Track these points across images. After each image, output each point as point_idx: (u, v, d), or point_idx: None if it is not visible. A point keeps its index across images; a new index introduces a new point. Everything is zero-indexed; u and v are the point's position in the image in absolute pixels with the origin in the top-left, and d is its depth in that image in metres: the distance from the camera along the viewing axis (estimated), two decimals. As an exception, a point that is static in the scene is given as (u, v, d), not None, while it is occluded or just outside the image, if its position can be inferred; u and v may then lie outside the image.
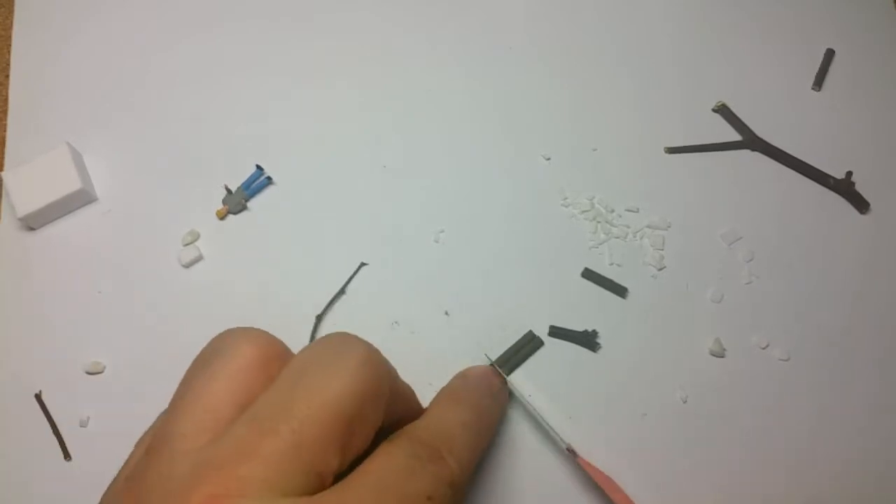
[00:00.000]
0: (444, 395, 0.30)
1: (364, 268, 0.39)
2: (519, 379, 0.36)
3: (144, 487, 0.19)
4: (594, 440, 0.35)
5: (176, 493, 0.18)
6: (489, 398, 0.32)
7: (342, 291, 0.35)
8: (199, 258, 0.39)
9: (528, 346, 0.37)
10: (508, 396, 0.35)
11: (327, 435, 0.20)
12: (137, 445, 0.23)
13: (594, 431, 0.36)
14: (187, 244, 0.39)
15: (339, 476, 0.21)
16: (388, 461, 0.22)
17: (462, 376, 0.32)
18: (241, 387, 0.21)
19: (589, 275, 0.38)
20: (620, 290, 0.38)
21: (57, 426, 0.35)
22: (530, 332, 0.37)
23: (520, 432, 0.35)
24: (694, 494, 0.35)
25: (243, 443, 0.19)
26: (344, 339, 0.23)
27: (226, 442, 0.19)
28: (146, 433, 0.23)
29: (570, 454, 0.34)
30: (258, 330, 0.23)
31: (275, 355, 0.22)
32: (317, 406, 0.20)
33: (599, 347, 0.37)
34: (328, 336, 0.23)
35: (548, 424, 0.35)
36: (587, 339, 0.37)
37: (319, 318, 0.35)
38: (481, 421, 0.29)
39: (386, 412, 0.23)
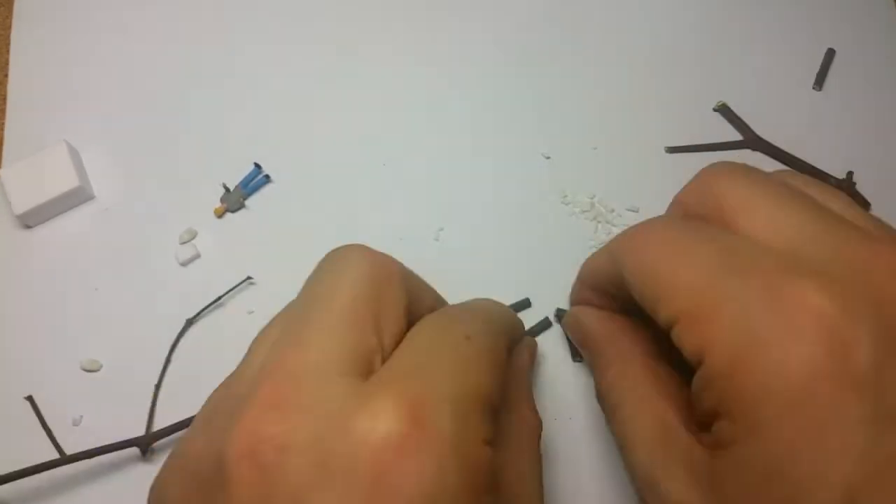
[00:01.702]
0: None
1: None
2: None
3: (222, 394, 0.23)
4: (595, 439, 0.35)
5: (245, 393, 0.20)
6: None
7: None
8: (196, 256, 0.39)
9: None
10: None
11: (355, 315, 0.21)
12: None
13: (595, 430, 0.35)
14: (185, 242, 0.39)
15: None
16: (421, 328, 0.23)
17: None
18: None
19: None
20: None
21: (50, 428, 0.35)
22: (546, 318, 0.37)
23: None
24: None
25: (289, 338, 0.21)
26: (334, 252, 0.25)
27: (274, 347, 0.22)
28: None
29: None
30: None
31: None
32: (337, 295, 0.22)
33: None
34: (324, 257, 0.26)
35: None
36: None
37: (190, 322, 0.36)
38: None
39: (413, 297, 0.25)
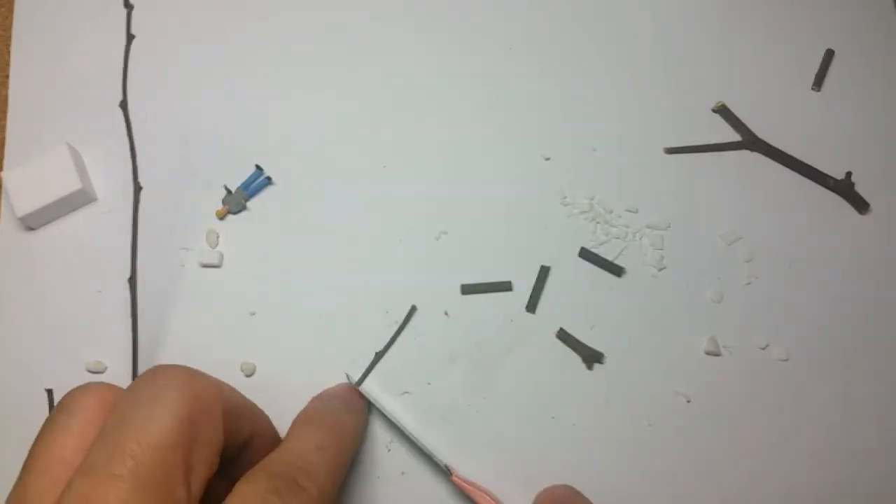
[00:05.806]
0: (300, 419, 0.30)
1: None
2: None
3: None
4: (595, 446, 0.35)
5: None
6: (346, 415, 0.31)
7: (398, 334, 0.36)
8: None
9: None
10: (367, 412, 0.35)
11: (165, 467, 0.20)
12: None
13: (595, 438, 0.36)
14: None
15: None
16: (245, 500, 0.22)
17: (317, 398, 0.32)
18: (88, 438, 0.22)
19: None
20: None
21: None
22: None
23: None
24: (694, 495, 0.35)
25: (85, 495, 0.19)
26: (158, 372, 0.23)
27: (68, 498, 0.19)
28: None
29: (446, 472, 0.33)
30: (98, 383, 0.24)
31: (116, 402, 0.23)
32: (146, 442, 0.20)
33: (599, 365, 0.37)
34: (145, 373, 0.24)
35: (419, 441, 0.34)
36: (589, 357, 0.37)
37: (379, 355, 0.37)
38: (340, 439, 0.29)
39: (230, 431, 0.23)
